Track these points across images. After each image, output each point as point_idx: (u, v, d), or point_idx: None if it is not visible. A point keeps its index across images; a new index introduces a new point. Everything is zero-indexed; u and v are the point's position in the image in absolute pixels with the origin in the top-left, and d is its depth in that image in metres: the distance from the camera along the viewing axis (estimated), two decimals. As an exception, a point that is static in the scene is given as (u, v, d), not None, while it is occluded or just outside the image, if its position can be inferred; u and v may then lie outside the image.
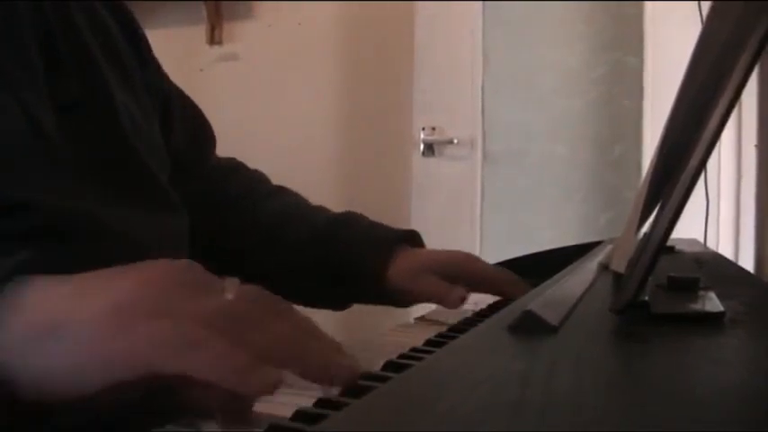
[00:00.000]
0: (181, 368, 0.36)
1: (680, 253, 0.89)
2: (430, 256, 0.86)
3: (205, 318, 0.38)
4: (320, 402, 0.44)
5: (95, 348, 0.37)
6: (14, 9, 0.62)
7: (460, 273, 0.84)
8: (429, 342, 0.65)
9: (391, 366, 0.54)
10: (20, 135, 0.59)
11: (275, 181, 0.98)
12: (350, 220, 0.90)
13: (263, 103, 2.67)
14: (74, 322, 0.38)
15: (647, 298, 0.47)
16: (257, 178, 0.97)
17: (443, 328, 0.70)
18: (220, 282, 0.41)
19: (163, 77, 0.86)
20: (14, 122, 0.58)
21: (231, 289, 0.41)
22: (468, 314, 0.78)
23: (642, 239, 0.51)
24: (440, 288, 0.81)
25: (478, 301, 0.85)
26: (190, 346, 0.36)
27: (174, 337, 0.37)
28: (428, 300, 0.83)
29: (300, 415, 0.42)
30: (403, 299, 0.86)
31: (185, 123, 0.89)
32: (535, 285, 0.76)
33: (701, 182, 1.81)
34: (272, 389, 0.36)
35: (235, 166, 0.98)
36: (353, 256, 0.85)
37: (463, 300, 0.80)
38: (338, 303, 0.91)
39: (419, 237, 0.90)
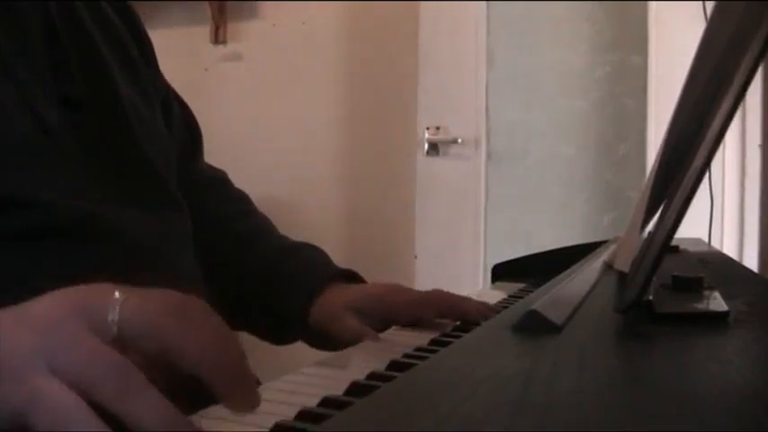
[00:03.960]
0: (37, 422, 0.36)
1: (684, 252, 0.89)
2: (350, 295, 0.78)
3: (74, 370, 0.37)
4: (324, 402, 0.44)
5: None
6: (19, 9, 0.63)
7: (381, 307, 0.75)
8: (433, 341, 0.65)
9: (396, 366, 0.54)
10: (25, 133, 0.59)
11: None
12: (292, 256, 0.85)
13: (267, 102, 2.67)
14: None
15: (651, 297, 0.47)
16: (236, 198, 0.95)
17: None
18: (110, 299, 0.39)
19: (161, 77, 0.87)
20: (20, 120, 0.59)
21: (114, 313, 0.39)
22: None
23: (646, 239, 0.51)
24: (355, 332, 0.73)
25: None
26: (62, 425, 0.36)
27: (46, 413, 0.36)
28: (348, 345, 0.74)
29: (305, 414, 0.42)
30: (327, 343, 0.78)
31: (181, 123, 0.89)
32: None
33: (705, 181, 1.80)
34: None
35: (220, 181, 0.95)
36: (281, 299, 0.81)
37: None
38: (276, 340, 0.86)
39: (355, 274, 0.84)
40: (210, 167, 0.95)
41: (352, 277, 0.83)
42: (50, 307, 0.39)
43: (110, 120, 0.68)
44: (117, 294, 0.39)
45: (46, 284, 0.42)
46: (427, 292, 0.76)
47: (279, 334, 0.84)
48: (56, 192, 0.59)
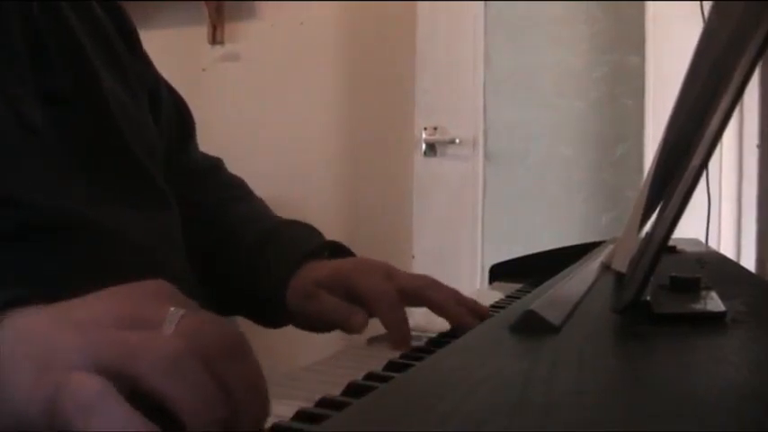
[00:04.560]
0: (80, 426, 0.35)
1: (682, 253, 0.89)
2: (321, 271, 0.75)
3: (119, 367, 0.36)
4: (322, 402, 0.44)
5: (24, 398, 0.37)
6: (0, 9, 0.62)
7: (347, 285, 0.72)
8: (431, 342, 0.65)
9: (393, 366, 0.54)
10: (10, 132, 0.58)
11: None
12: (275, 233, 0.83)
13: (265, 102, 2.67)
14: (11, 374, 0.38)
15: (648, 298, 0.47)
16: (229, 184, 0.94)
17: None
18: (163, 313, 0.39)
19: (150, 66, 0.86)
20: (4, 119, 0.58)
21: (170, 326, 0.38)
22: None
23: (644, 239, 0.51)
24: (336, 310, 0.70)
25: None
26: (86, 410, 0.35)
27: (71, 398, 0.35)
28: (327, 325, 0.72)
29: (302, 415, 0.42)
30: (307, 323, 0.76)
31: (171, 114, 0.89)
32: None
33: (702, 181, 1.81)
34: None
35: (216, 168, 0.95)
36: (262, 284, 0.79)
37: (364, 324, 0.69)
38: (268, 324, 0.84)
39: (341, 246, 0.82)
40: (205, 156, 0.95)
41: (337, 249, 0.81)
42: (100, 310, 0.39)
43: (95, 118, 0.68)
44: (172, 309, 0.39)
45: (33, 285, 0.42)
46: (396, 274, 0.73)
47: (268, 318, 0.83)
48: (42, 192, 0.58)
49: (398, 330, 0.67)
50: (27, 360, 0.37)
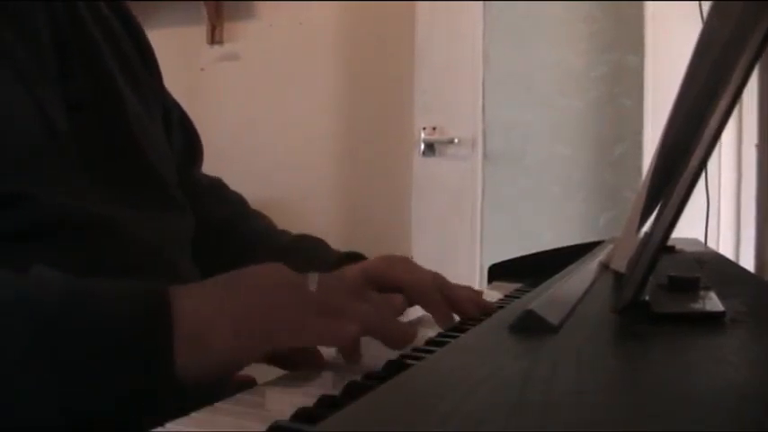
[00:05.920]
0: (307, 342, 0.51)
1: (680, 253, 0.89)
2: (351, 273, 0.78)
3: (309, 305, 0.51)
4: (321, 402, 0.44)
5: (239, 347, 0.49)
6: (31, 13, 0.63)
7: (378, 282, 0.75)
8: (430, 341, 0.65)
9: (392, 366, 0.54)
10: (33, 133, 0.59)
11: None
12: (294, 252, 0.84)
13: (264, 102, 2.67)
14: (213, 333, 0.48)
15: (647, 298, 0.47)
16: (234, 200, 0.96)
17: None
18: (306, 277, 0.53)
19: (163, 86, 0.87)
20: (29, 120, 0.59)
21: (314, 282, 0.53)
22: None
23: (643, 239, 0.51)
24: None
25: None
26: (336, 310, 0.51)
27: (294, 319, 0.50)
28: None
29: (301, 414, 0.42)
30: None
31: (181, 132, 0.89)
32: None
33: (701, 181, 1.80)
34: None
35: (218, 185, 0.97)
36: None
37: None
38: None
39: (360, 256, 0.84)
40: (206, 176, 0.96)
41: (354, 258, 0.84)
42: (260, 279, 0.52)
43: (112, 122, 0.69)
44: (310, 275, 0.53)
45: None
46: (423, 276, 0.76)
47: None
48: (60, 193, 0.60)
49: (441, 309, 0.73)
50: (221, 319, 0.48)
